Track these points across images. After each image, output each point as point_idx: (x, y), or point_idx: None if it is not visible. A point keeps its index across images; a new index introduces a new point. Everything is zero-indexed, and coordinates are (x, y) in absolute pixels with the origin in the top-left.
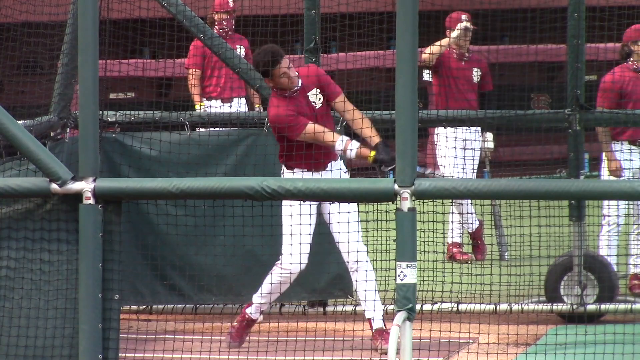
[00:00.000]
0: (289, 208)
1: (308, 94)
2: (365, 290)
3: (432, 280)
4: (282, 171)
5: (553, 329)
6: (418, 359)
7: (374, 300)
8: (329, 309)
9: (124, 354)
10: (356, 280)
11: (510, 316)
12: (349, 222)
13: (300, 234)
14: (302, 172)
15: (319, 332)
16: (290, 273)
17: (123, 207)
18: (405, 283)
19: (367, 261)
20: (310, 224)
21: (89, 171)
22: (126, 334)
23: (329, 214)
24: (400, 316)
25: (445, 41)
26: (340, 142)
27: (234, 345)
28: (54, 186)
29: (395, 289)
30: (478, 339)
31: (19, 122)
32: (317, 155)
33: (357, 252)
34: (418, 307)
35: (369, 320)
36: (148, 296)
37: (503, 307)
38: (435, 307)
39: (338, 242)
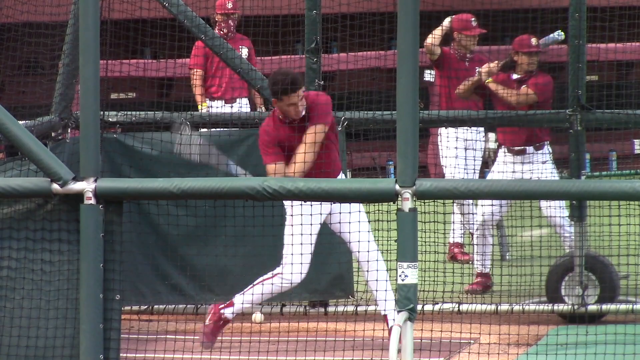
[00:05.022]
0: (295, 217)
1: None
2: (386, 290)
3: (434, 281)
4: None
5: (554, 329)
6: (419, 359)
7: (387, 300)
8: (330, 309)
9: (125, 354)
10: (376, 280)
11: (512, 316)
12: (350, 222)
13: (302, 244)
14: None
15: (320, 332)
16: (291, 283)
17: (124, 207)
18: (407, 283)
19: (378, 260)
20: (313, 234)
21: (90, 171)
22: (127, 334)
23: (340, 223)
24: (402, 316)
25: (445, 24)
26: None
27: (207, 346)
28: (55, 186)
29: (396, 289)
30: (479, 339)
31: (20, 122)
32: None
33: (370, 256)
34: (419, 307)
35: (385, 316)
36: (149, 296)
37: (504, 307)
38: (437, 307)
39: (349, 242)
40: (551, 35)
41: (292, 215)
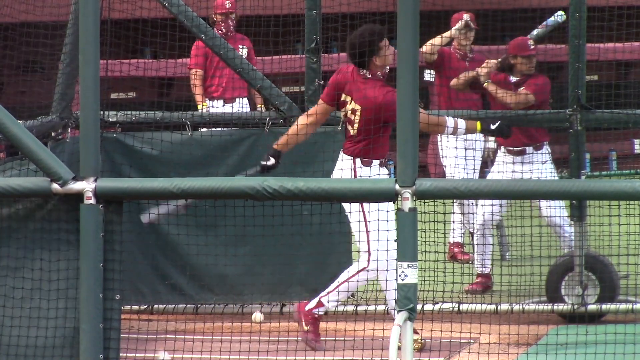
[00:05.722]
0: (372, 213)
1: None
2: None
3: (433, 280)
4: (354, 166)
5: (554, 329)
6: (419, 359)
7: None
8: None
9: (124, 354)
10: (386, 280)
11: (512, 316)
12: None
13: (378, 240)
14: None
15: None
16: (368, 272)
17: (124, 207)
18: (407, 283)
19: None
20: (390, 220)
21: (90, 171)
22: (127, 334)
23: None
24: (401, 316)
25: (446, 34)
26: (451, 120)
27: (319, 347)
28: (55, 186)
29: (396, 289)
30: (479, 339)
31: (20, 122)
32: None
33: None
34: (419, 307)
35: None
36: (149, 296)
37: (504, 307)
38: (437, 307)
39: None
40: (551, 19)
41: (368, 212)
